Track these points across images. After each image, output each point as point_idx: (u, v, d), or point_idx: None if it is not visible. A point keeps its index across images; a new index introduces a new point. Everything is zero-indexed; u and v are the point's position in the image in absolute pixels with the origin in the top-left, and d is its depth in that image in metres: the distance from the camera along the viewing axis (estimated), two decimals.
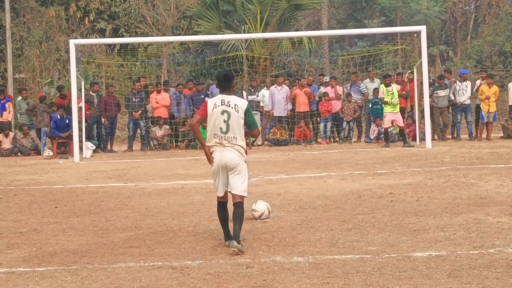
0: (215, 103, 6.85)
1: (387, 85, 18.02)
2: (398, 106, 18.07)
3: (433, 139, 18.80)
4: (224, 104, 6.79)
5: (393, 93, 17.89)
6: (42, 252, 6.99)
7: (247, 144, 19.23)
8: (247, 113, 6.84)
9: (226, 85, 6.95)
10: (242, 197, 6.84)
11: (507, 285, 5.27)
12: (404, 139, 18.27)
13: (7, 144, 19.61)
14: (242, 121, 6.81)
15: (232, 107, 6.78)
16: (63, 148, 19.10)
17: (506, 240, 6.76)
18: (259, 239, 7.25)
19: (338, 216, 8.39)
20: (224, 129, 6.77)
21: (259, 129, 6.79)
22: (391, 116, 17.94)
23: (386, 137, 18.44)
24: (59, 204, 10.08)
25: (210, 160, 6.90)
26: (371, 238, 7.07)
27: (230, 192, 6.90)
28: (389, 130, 20.15)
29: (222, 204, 7.01)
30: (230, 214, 6.93)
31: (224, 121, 6.76)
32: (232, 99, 6.86)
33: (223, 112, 6.76)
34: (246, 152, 6.95)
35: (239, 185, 6.82)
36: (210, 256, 6.52)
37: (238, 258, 6.43)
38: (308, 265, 6.05)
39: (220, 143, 6.76)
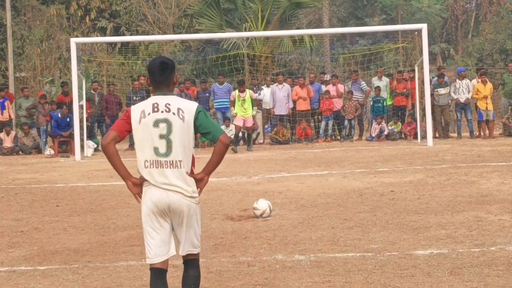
0: (143, 110, 4.35)
1: (241, 91, 17.99)
2: (249, 112, 17.90)
3: (434, 137, 18.80)
4: (158, 110, 4.32)
5: (244, 99, 17.86)
6: (43, 251, 7.00)
7: (251, 141, 19.43)
8: (199, 117, 4.34)
9: (163, 79, 4.41)
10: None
11: (508, 283, 5.27)
12: (249, 143, 18.21)
13: (8, 143, 19.61)
14: (191, 134, 4.36)
15: (173, 113, 4.31)
16: (65, 147, 19.09)
17: (507, 238, 6.76)
18: (261, 237, 7.25)
19: (339, 214, 8.39)
20: (162, 150, 4.30)
21: (228, 135, 4.38)
22: (241, 119, 17.86)
23: (235, 141, 18.10)
24: (60, 203, 10.08)
25: (137, 199, 4.52)
26: (373, 236, 7.08)
27: (180, 253, 4.49)
28: (390, 128, 20.17)
29: (159, 273, 4.42)
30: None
31: (161, 136, 4.30)
32: (173, 100, 4.37)
33: (157, 123, 4.30)
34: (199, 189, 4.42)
35: (193, 239, 4.45)
36: (211, 255, 6.52)
37: (239, 256, 6.43)
38: (309, 263, 6.05)
39: (157, 179, 4.30)
